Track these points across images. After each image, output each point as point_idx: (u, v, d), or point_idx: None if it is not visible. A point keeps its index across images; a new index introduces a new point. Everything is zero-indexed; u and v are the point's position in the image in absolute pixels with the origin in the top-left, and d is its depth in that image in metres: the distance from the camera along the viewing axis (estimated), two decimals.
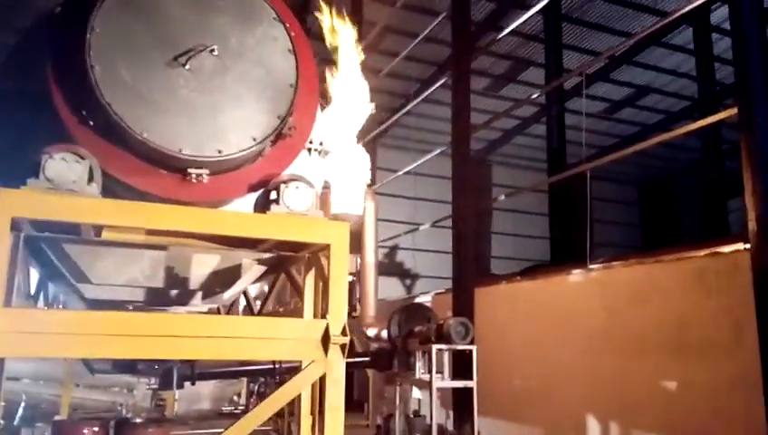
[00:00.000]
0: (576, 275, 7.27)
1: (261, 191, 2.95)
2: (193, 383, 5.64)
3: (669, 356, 5.90)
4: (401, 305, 7.18)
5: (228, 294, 3.66)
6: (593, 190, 26.99)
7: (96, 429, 5.32)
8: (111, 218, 2.47)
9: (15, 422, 7.25)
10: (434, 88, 13.42)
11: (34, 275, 4.07)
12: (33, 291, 4.05)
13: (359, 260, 7.91)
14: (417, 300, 10.49)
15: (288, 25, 3.10)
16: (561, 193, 12.17)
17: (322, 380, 2.76)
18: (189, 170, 2.62)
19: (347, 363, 7.23)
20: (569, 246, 11.53)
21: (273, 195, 2.85)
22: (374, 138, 20.66)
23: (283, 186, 2.83)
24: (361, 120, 6.89)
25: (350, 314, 6.38)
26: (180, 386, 5.64)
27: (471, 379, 6.14)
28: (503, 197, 15.52)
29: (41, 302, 4.36)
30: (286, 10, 3.26)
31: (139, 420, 5.51)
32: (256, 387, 10.80)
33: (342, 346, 2.77)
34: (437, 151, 12.41)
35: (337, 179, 6.61)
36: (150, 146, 2.53)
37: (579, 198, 10.64)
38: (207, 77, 2.68)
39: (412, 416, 6.43)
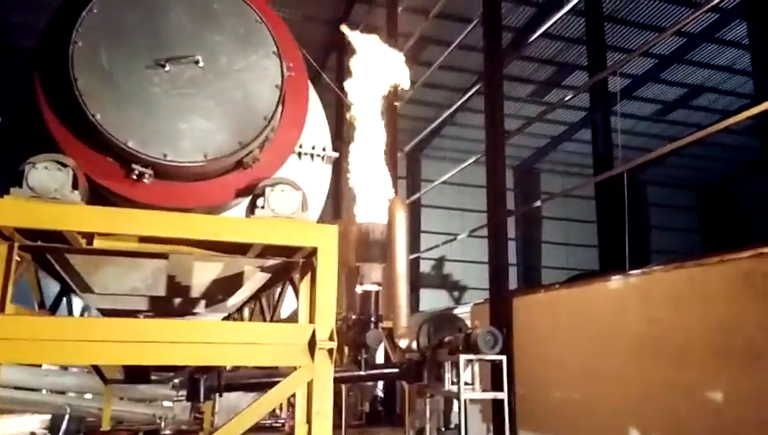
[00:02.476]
0: (615, 281, 6.96)
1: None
2: (220, 395, 5.67)
3: (714, 365, 5.53)
4: (430, 315, 7.05)
5: (232, 302, 3.65)
6: (651, 197, 26.16)
7: None
8: (90, 225, 2.50)
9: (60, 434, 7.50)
10: (467, 96, 13.26)
11: (55, 287, 4.18)
12: (50, 302, 4.15)
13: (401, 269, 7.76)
14: (457, 311, 10.30)
15: (290, 64, 3.04)
16: (608, 199, 11.80)
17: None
18: (133, 166, 2.61)
19: (375, 376, 7.07)
20: (617, 254, 11.14)
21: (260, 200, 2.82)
22: (418, 150, 20.63)
23: (268, 189, 2.81)
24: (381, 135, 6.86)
25: (375, 324, 6.31)
26: (207, 398, 5.68)
27: (502, 390, 5.93)
28: (538, 203, 15.10)
29: (64, 314, 4.48)
30: (295, 50, 3.22)
31: (168, 432, 5.60)
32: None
33: (330, 351, 2.71)
34: (472, 160, 12.23)
35: (360, 190, 6.60)
36: (99, 129, 2.53)
37: (628, 203, 10.29)
38: (183, 83, 2.68)
39: (443, 429, 6.27)
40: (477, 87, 11.98)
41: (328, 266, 2.78)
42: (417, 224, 19.89)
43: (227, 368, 6.84)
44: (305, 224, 2.81)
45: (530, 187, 21.46)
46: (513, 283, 17.25)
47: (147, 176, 2.62)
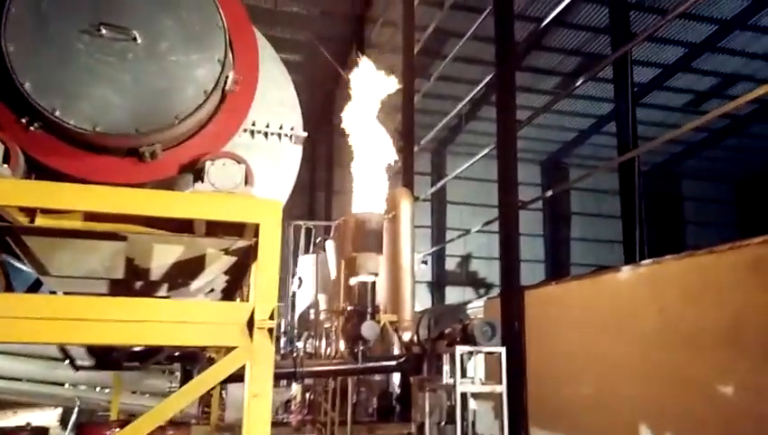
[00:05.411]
0: (625, 272, 6.68)
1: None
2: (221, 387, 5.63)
3: (726, 357, 5.23)
4: (431, 307, 6.88)
5: (195, 286, 3.57)
6: (686, 190, 25.30)
7: (117, 430, 5.44)
8: (12, 199, 2.44)
9: (69, 427, 7.59)
10: (479, 88, 13.00)
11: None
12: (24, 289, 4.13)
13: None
14: (471, 305, 10.08)
15: (239, 78, 2.85)
16: (632, 192, 11.43)
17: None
18: (24, 114, 2.52)
19: (372, 368, 6.90)
20: (641, 248, 10.78)
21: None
22: (443, 146, 20.41)
23: (208, 163, 2.71)
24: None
25: (372, 315, 6.19)
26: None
27: (501, 383, 5.73)
28: (550, 193, 14.70)
29: None
30: (254, 71, 3.02)
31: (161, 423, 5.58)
32: (309, 395, 10.77)
33: (270, 331, 2.60)
34: (484, 153, 11.99)
35: (358, 181, 6.53)
36: (4, 61, 2.44)
37: (661, 198, 9.94)
38: (110, 51, 2.57)
39: (444, 424, 6.09)
40: (489, 77, 11.73)
41: (270, 244, 2.67)
42: (443, 220, 19.68)
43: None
44: (245, 199, 2.70)
45: (557, 181, 21.02)
46: (541, 279, 16.91)
47: (34, 124, 2.53)
